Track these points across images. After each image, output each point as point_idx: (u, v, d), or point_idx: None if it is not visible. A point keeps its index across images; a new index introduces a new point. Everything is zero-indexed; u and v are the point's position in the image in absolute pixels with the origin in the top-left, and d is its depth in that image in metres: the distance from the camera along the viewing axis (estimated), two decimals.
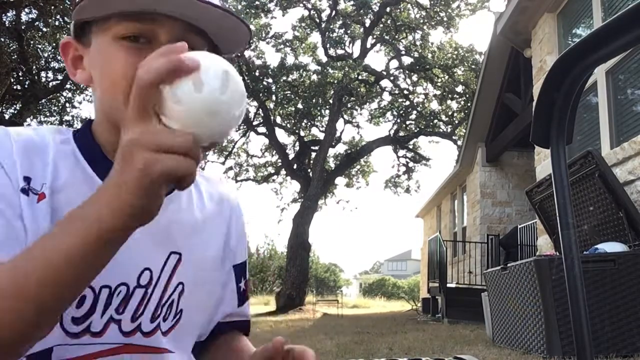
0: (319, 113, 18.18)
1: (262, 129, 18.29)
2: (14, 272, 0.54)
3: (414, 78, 18.21)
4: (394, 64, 18.24)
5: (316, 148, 17.84)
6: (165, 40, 0.70)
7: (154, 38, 0.70)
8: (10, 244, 0.62)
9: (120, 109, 0.68)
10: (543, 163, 6.31)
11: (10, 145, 0.69)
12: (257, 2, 16.62)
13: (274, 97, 17.55)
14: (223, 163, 19.25)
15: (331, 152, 18.50)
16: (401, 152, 19.26)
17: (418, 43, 17.69)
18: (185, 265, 0.78)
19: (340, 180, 19.77)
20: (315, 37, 18.97)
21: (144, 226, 0.71)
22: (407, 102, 18.24)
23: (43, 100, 13.75)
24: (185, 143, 0.50)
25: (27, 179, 0.68)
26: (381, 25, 17.82)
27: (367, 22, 17.64)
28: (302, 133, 18.75)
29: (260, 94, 16.80)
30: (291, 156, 18.40)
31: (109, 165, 0.67)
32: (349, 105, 18.15)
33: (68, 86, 13.65)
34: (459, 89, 17.21)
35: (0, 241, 0.62)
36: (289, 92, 17.36)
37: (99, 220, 0.52)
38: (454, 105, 17.96)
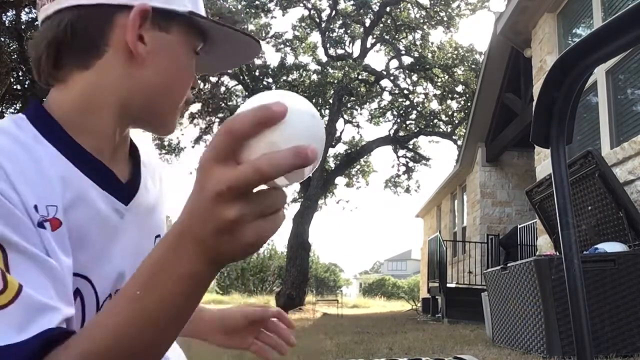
0: (319, 113, 18.19)
1: None
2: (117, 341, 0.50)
3: (414, 78, 18.22)
4: (394, 63, 18.26)
5: None
6: (196, 61, 0.76)
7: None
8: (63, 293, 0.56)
9: (172, 109, 0.73)
10: (543, 163, 6.31)
11: None
12: (257, 2, 16.62)
13: None
14: None
15: (331, 151, 18.51)
16: (401, 152, 19.27)
17: (418, 43, 17.69)
18: None
19: (340, 180, 19.79)
20: (315, 37, 19.02)
21: (135, 217, 0.72)
22: (407, 102, 18.24)
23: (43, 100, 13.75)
24: (284, 198, 0.47)
25: (36, 207, 0.57)
26: (381, 25, 17.83)
27: (367, 22, 17.64)
28: None
29: None
30: None
31: (85, 154, 0.67)
32: (349, 105, 18.16)
33: None
34: (459, 88, 17.22)
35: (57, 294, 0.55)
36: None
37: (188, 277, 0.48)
38: (454, 105, 17.97)
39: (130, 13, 0.66)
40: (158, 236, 0.78)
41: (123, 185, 0.72)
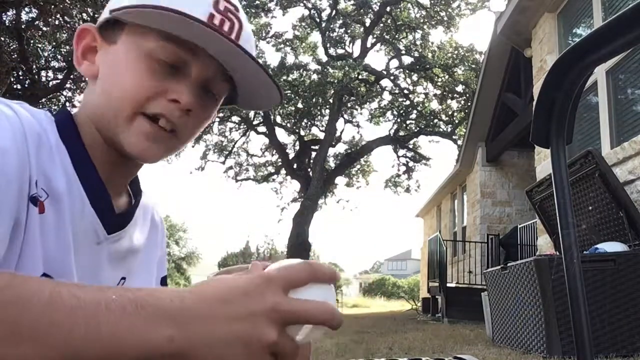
0: (319, 112, 18.19)
1: (262, 129, 18.30)
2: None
3: (414, 77, 18.22)
4: (394, 63, 18.26)
5: (316, 147, 17.85)
6: (195, 75, 0.69)
7: (184, 69, 0.69)
8: None
9: (118, 122, 0.68)
10: (543, 163, 6.31)
11: (22, 131, 0.59)
12: (257, 2, 16.63)
13: None
14: (223, 162, 19.28)
15: (331, 151, 18.53)
16: (401, 152, 19.27)
17: (418, 42, 17.69)
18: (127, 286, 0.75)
19: (340, 180, 19.80)
20: (315, 37, 18.98)
21: (110, 250, 0.70)
22: (407, 102, 18.25)
23: (43, 100, 13.74)
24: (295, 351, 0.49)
25: (36, 182, 0.60)
26: (381, 25, 17.83)
27: (368, 22, 17.65)
28: (302, 132, 18.76)
29: None
30: (291, 156, 18.41)
31: (92, 169, 0.67)
32: (349, 105, 18.16)
33: (68, 85, 13.65)
34: (459, 88, 17.22)
35: None
36: (289, 91, 17.35)
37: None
38: (454, 104, 17.97)
39: None
40: (123, 279, 0.75)
41: (113, 215, 0.71)
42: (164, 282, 0.89)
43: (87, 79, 0.73)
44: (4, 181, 0.54)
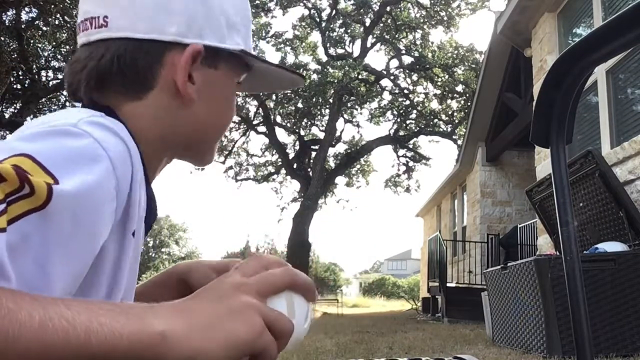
0: (319, 112, 18.19)
1: (262, 128, 18.31)
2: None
3: (414, 77, 18.23)
4: (394, 63, 18.27)
5: (316, 147, 17.85)
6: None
7: None
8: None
9: (207, 146, 0.74)
10: (543, 162, 6.31)
11: (129, 166, 0.55)
12: (257, 1, 16.63)
13: (274, 97, 17.56)
14: (223, 162, 19.28)
15: (331, 151, 18.53)
16: (401, 152, 19.28)
17: (418, 42, 17.70)
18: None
19: (340, 180, 19.81)
20: (315, 37, 18.98)
21: (137, 251, 0.67)
22: (407, 102, 18.25)
23: (43, 100, 13.75)
24: (288, 332, 0.52)
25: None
26: (381, 25, 17.83)
27: (367, 22, 17.65)
28: (302, 132, 18.76)
29: (261, 94, 16.80)
30: (291, 155, 18.42)
31: (148, 185, 0.65)
32: (349, 105, 18.17)
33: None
34: (459, 88, 17.22)
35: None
36: (289, 91, 17.36)
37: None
38: (454, 104, 17.97)
39: (181, 51, 0.65)
40: None
41: (151, 220, 0.69)
42: None
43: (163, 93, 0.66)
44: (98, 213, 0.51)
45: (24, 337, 0.39)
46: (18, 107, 13.22)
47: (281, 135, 20.04)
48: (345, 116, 18.70)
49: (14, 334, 0.38)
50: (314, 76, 17.04)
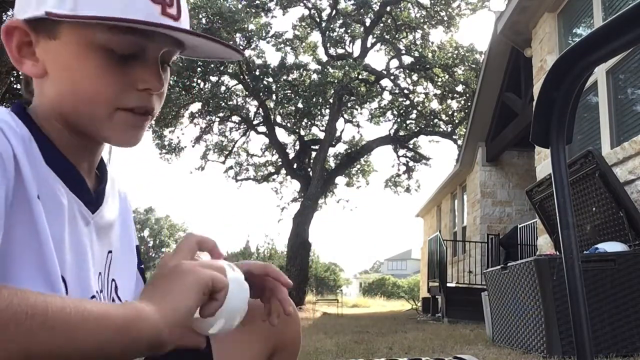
0: (319, 112, 18.18)
1: (262, 128, 18.30)
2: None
3: (414, 77, 18.21)
4: (394, 63, 18.26)
5: (316, 147, 17.85)
6: (153, 56, 0.69)
7: (142, 54, 0.68)
8: None
9: (96, 122, 0.68)
10: (543, 163, 6.31)
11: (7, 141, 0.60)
12: (257, 2, 16.62)
13: (274, 97, 17.55)
14: (223, 162, 19.28)
15: (331, 151, 18.52)
16: (401, 152, 19.27)
17: (418, 42, 17.69)
18: (114, 261, 0.79)
19: (340, 180, 19.79)
20: (315, 37, 19.00)
21: (97, 229, 0.73)
22: (407, 102, 18.24)
23: None
24: (221, 267, 0.66)
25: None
26: (381, 25, 17.82)
27: (368, 22, 17.64)
28: (302, 132, 18.76)
29: (261, 94, 16.81)
30: (291, 155, 18.41)
31: (60, 157, 0.68)
32: (349, 105, 18.16)
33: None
34: (459, 88, 17.21)
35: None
36: (289, 91, 17.35)
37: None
38: (454, 104, 17.96)
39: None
40: (110, 252, 0.78)
41: (91, 195, 0.73)
42: (137, 250, 0.90)
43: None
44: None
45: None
46: None
47: (281, 135, 20.06)
48: (346, 116, 18.69)
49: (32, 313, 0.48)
50: (314, 76, 17.03)
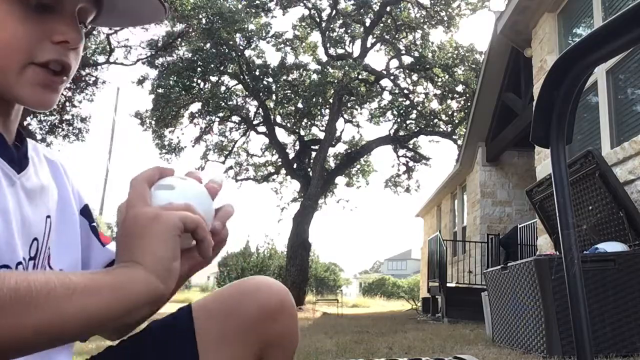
0: (319, 112, 18.18)
1: (262, 128, 18.29)
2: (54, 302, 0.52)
3: (414, 77, 18.21)
4: (394, 63, 18.25)
5: (316, 147, 17.84)
6: (70, 8, 0.67)
7: (57, 6, 0.66)
8: None
9: (7, 76, 0.64)
10: (543, 163, 6.31)
11: None
12: (257, 2, 16.62)
13: (274, 97, 17.55)
14: (223, 162, 19.27)
15: (331, 151, 18.52)
16: (401, 152, 19.26)
17: (418, 42, 17.68)
18: (54, 226, 0.76)
19: (340, 180, 19.78)
20: (315, 37, 18.98)
21: (26, 191, 0.70)
22: (407, 102, 18.24)
23: None
24: (185, 207, 0.65)
25: None
26: (381, 25, 17.82)
27: (368, 22, 17.64)
28: (302, 132, 18.75)
29: (261, 94, 16.81)
30: (291, 155, 18.40)
31: None
32: (349, 105, 18.16)
33: (68, 85, 13.66)
34: (459, 88, 17.21)
35: None
36: (289, 91, 17.35)
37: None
38: (454, 104, 17.96)
39: None
40: (49, 217, 0.74)
41: (13, 154, 0.69)
42: (85, 210, 0.87)
43: None
44: None
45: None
46: None
47: (281, 135, 20.06)
48: (345, 116, 18.68)
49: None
50: (314, 76, 17.03)
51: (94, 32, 14.23)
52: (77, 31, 0.67)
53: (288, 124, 18.84)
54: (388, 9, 17.22)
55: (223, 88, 17.51)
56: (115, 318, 0.56)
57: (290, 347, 0.84)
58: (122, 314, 0.56)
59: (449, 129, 17.97)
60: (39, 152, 0.79)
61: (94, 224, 0.88)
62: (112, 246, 0.90)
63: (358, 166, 19.95)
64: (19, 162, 0.70)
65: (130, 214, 0.63)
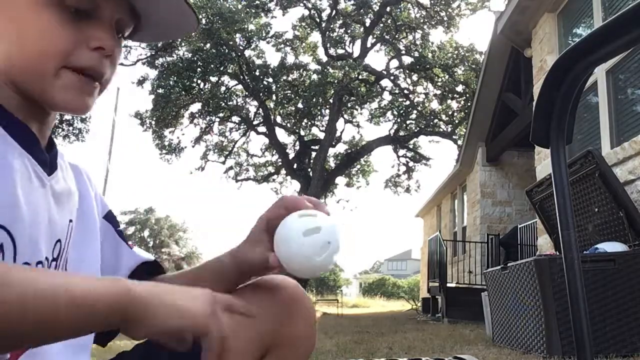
0: (319, 113, 18.18)
1: (262, 129, 18.30)
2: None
3: (414, 78, 18.21)
4: (394, 63, 18.25)
5: (316, 148, 17.85)
6: (109, 17, 0.67)
7: (96, 12, 0.66)
8: None
9: (42, 79, 0.65)
10: (543, 163, 6.31)
11: None
12: (257, 2, 16.62)
13: (274, 97, 17.55)
14: (223, 162, 19.28)
15: (331, 151, 18.52)
16: (401, 152, 19.26)
17: (418, 42, 17.68)
18: (74, 230, 0.76)
19: (340, 180, 19.79)
20: (315, 37, 18.98)
21: (54, 194, 0.70)
22: (408, 102, 18.24)
23: None
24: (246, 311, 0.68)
25: None
26: (381, 25, 17.82)
27: (368, 22, 17.64)
28: (302, 132, 18.76)
29: (261, 94, 16.81)
30: (291, 156, 18.41)
31: (11, 117, 0.65)
32: (349, 105, 18.16)
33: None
34: (459, 88, 17.21)
35: None
36: (289, 91, 17.35)
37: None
38: (454, 104, 17.96)
39: None
40: (70, 221, 0.75)
41: (45, 156, 0.70)
42: (109, 216, 0.88)
43: None
44: None
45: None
46: None
47: (281, 135, 20.06)
48: (346, 116, 18.69)
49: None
50: (314, 76, 17.03)
51: None
52: (114, 39, 0.68)
53: (288, 124, 18.84)
54: (388, 9, 17.23)
55: (223, 88, 17.51)
56: (73, 327, 0.53)
57: (303, 350, 0.84)
58: (80, 324, 0.53)
59: (449, 129, 17.97)
60: (64, 159, 0.81)
61: (119, 228, 0.89)
62: (138, 250, 0.92)
63: (358, 166, 19.95)
64: (50, 166, 0.71)
65: (206, 291, 0.62)
